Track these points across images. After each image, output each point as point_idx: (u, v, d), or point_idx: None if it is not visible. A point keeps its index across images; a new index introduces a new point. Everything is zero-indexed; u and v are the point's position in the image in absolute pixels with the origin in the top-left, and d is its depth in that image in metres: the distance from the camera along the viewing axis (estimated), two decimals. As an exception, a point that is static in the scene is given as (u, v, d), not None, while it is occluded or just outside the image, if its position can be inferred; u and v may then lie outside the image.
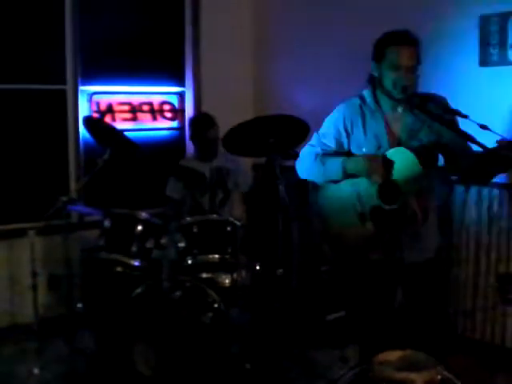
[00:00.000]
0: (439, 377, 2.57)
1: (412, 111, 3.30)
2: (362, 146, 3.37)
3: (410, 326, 3.47)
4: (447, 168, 3.36)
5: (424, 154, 3.23)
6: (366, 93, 3.43)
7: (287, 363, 4.18)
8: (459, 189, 4.61)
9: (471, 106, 4.36)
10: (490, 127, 2.93)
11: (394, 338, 3.22)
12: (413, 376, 2.48)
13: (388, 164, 3.23)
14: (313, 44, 5.62)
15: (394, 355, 2.69)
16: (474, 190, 4.56)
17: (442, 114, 3.17)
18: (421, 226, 3.30)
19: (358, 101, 3.45)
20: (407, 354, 2.69)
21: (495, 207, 4.43)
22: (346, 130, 3.41)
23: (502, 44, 4.47)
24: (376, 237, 3.29)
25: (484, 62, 4.57)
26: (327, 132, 3.47)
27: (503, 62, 4.47)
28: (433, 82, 4.04)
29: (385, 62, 3.27)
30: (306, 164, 3.52)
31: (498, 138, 2.91)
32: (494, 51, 4.53)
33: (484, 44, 4.55)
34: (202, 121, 4.94)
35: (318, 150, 3.47)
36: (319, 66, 5.55)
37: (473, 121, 2.98)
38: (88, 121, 4.40)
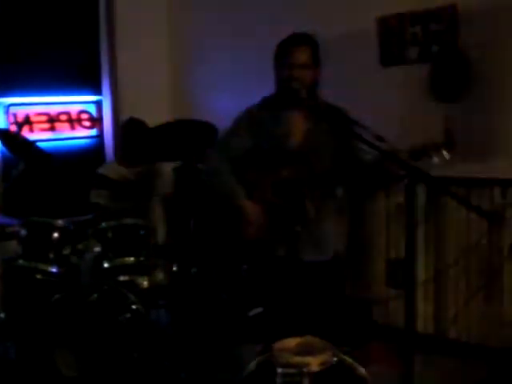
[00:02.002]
0: (335, 359, 2.74)
1: (313, 117, 3.46)
2: (266, 146, 3.52)
3: (320, 317, 3.63)
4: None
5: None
6: (271, 95, 3.59)
7: (208, 359, 4.30)
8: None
9: (372, 105, 4.64)
10: (384, 138, 2.97)
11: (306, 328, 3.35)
12: (308, 359, 2.64)
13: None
14: (230, 47, 5.73)
15: (292, 342, 2.84)
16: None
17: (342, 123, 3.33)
18: (314, 224, 3.47)
19: (261, 105, 3.60)
20: (305, 340, 2.85)
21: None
22: (252, 133, 3.55)
23: (401, 43, 4.69)
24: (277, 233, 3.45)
25: (385, 60, 4.80)
26: (237, 134, 3.61)
27: (403, 60, 4.71)
28: (335, 84, 4.22)
29: (276, 62, 3.47)
30: (218, 176, 3.62)
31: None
32: (394, 50, 4.76)
33: (384, 44, 4.78)
34: (134, 125, 5.05)
35: (229, 154, 3.59)
36: (237, 68, 5.68)
37: (370, 131, 3.07)
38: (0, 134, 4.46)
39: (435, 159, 3.08)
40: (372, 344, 4.65)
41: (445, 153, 3.06)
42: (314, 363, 2.62)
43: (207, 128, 4.17)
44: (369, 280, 5.02)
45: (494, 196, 4.37)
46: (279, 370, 2.60)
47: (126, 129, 5.10)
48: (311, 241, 3.52)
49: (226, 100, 5.57)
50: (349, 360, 2.85)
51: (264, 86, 3.55)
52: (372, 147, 2.98)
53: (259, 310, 4.82)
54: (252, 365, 2.86)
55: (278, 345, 2.80)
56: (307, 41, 3.46)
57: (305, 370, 2.57)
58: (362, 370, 2.83)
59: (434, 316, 4.73)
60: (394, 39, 4.70)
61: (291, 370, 2.59)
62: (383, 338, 4.68)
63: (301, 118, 3.50)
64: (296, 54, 3.39)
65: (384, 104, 4.66)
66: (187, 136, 4.21)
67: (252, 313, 4.88)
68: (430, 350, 4.52)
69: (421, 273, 4.71)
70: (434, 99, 4.42)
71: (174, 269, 4.46)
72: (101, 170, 4.98)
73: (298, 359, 2.64)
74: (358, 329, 4.80)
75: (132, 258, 4.12)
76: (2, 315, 4.28)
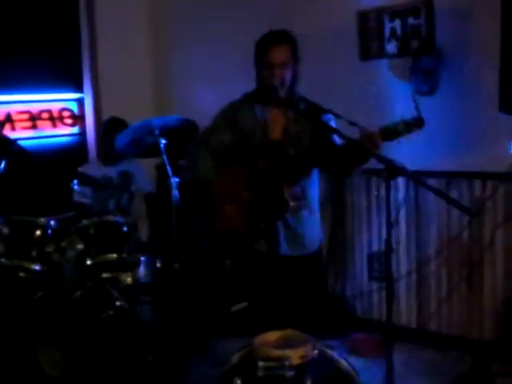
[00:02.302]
0: (316, 351, 2.77)
1: (289, 113, 3.49)
2: (246, 142, 3.55)
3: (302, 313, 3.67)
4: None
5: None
6: (250, 93, 3.61)
7: (192, 354, 4.33)
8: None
9: (352, 100, 4.67)
10: (357, 123, 3.10)
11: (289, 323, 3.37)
12: (288, 352, 2.67)
13: None
14: (211, 43, 5.73)
15: (273, 335, 2.88)
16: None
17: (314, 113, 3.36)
18: (293, 218, 3.51)
19: (241, 101, 3.62)
20: (286, 334, 2.89)
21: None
22: (233, 129, 3.57)
23: (380, 38, 4.73)
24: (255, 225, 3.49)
25: (364, 55, 4.83)
26: (217, 129, 3.63)
27: (382, 54, 4.75)
28: (315, 79, 4.25)
29: (257, 61, 3.47)
30: (197, 161, 3.66)
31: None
32: (373, 45, 4.79)
33: (363, 38, 4.81)
34: (115, 124, 5.05)
35: (208, 149, 3.62)
36: (219, 63, 5.67)
37: (343, 117, 3.17)
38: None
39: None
40: (354, 337, 4.69)
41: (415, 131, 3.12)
42: (294, 356, 2.66)
43: (190, 124, 4.22)
44: (351, 274, 5.06)
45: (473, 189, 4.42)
46: (260, 364, 2.63)
47: (107, 128, 5.12)
48: (289, 235, 3.55)
49: (208, 97, 5.58)
50: (329, 352, 2.89)
51: (247, 83, 3.58)
52: (343, 137, 3.11)
53: (243, 305, 4.86)
54: (234, 358, 2.90)
55: (259, 339, 2.84)
56: (286, 38, 3.47)
57: (286, 363, 2.60)
58: (344, 362, 2.87)
59: (417, 309, 4.77)
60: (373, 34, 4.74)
61: (272, 364, 2.62)
62: (365, 331, 4.72)
63: (279, 114, 3.53)
64: (275, 53, 3.40)
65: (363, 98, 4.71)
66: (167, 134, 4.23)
67: (235, 308, 4.93)
68: (413, 342, 4.58)
69: (403, 266, 4.76)
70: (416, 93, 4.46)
71: (158, 265, 4.48)
72: (82, 169, 4.99)
73: (278, 352, 2.68)
74: (340, 323, 4.85)
75: (115, 255, 4.12)
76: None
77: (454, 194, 4.38)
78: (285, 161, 3.38)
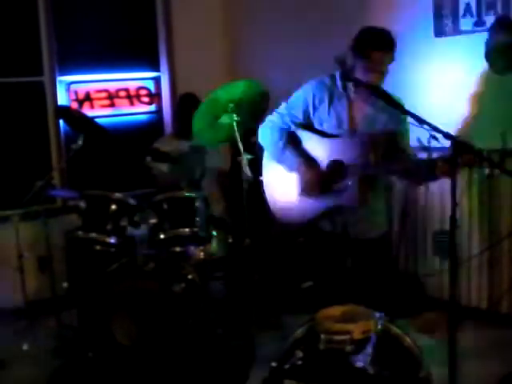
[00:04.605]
0: (379, 327, 2.80)
1: (373, 100, 3.49)
2: (324, 122, 3.58)
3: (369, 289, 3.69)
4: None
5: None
6: (337, 75, 3.62)
7: (260, 327, 4.40)
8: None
9: (427, 77, 4.62)
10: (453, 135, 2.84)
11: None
12: (350, 326, 2.70)
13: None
14: (286, 24, 5.72)
15: (338, 310, 2.91)
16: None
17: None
18: (360, 207, 3.52)
19: (328, 81, 3.62)
20: (350, 309, 2.91)
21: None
22: (314, 105, 3.59)
23: (455, 15, 4.66)
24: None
25: (438, 32, 4.77)
26: (296, 104, 3.66)
27: (456, 31, 4.68)
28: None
29: (365, 61, 3.39)
30: (269, 137, 3.72)
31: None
32: (448, 22, 4.73)
33: (438, 15, 4.75)
34: (190, 99, 5.14)
35: (286, 120, 3.66)
36: (292, 45, 5.65)
37: (436, 128, 2.88)
38: (58, 110, 4.61)
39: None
40: (423, 315, 4.67)
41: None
42: (356, 330, 2.69)
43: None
44: (422, 253, 5.03)
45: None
46: (322, 337, 2.67)
47: (181, 103, 5.21)
48: (356, 220, 3.59)
49: (280, 74, 5.60)
50: (394, 329, 2.91)
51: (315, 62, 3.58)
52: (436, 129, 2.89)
53: (310, 283, 4.90)
54: (298, 332, 2.95)
55: (323, 313, 2.88)
56: (393, 45, 3.41)
57: (347, 336, 2.64)
58: (408, 339, 2.89)
59: (488, 289, 4.72)
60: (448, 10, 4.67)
61: (333, 337, 2.66)
62: (435, 310, 4.69)
63: (361, 107, 3.56)
64: (385, 60, 3.38)
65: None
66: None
67: (305, 285, 4.96)
68: (482, 322, 4.53)
69: (475, 245, 4.70)
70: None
71: (229, 240, 4.55)
72: (155, 144, 5.10)
73: (340, 326, 2.71)
74: (409, 301, 4.83)
75: (187, 230, 4.20)
76: (65, 284, 4.48)
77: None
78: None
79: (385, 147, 3.48)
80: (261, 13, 6.02)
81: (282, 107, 3.72)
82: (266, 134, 3.74)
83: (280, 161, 3.69)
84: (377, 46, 3.36)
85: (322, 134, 3.60)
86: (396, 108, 3.13)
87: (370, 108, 3.55)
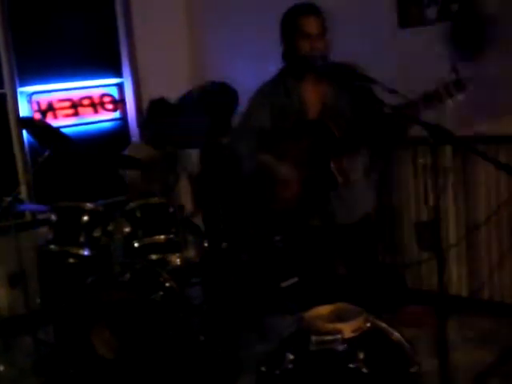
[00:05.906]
0: (368, 324, 2.75)
1: (324, 80, 3.45)
2: (285, 123, 3.52)
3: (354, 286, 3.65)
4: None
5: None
6: (281, 71, 3.57)
7: (243, 330, 4.34)
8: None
9: (391, 67, 4.60)
10: (397, 91, 2.95)
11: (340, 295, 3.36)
12: (341, 326, 2.65)
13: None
14: (248, 18, 5.67)
15: (325, 309, 2.86)
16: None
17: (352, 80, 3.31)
18: (344, 188, 3.47)
19: (273, 81, 3.59)
20: (337, 307, 2.86)
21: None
22: (269, 112, 3.55)
23: (419, 4, 4.64)
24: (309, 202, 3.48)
25: (403, 22, 4.75)
26: (254, 114, 3.62)
27: (421, 21, 4.66)
28: (354, 47, 4.21)
29: (297, 32, 3.39)
30: (244, 146, 3.64)
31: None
32: (413, 11, 4.71)
33: (402, 5, 4.73)
34: (161, 105, 5.02)
35: (254, 128, 3.59)
36: (255, 40, 5.60)
37: (382, 85, 3.01)
38: (22, 122, 4.51)
39: (449, 102, 3.06)
40: (406, 308, 4.65)
41: (458, 94, 3.05)
42: (346, 329, 2.64)
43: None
44: (400, 245, 5.00)
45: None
46: (313, 338, 2.62)
47: (151, 109, 5.10)
48: (342, 204, 3.52)
49: (246, 75, 5.52)
50: (382, 325, 2.86)
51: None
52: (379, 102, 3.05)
53: (293, 280, 4.85)
54: (286, 333, 2.89)
55: (311, 313, 2.82)
56: (317, 10, 3.44)
57: (338, 336, 2.58)
58: (397, 335, 2.84)
59: (468, 277, 4.71)
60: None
61: (324, 337, 2.60)
62: (417, 302, 4.67)
63: (314, 90, 3.50)
64: (312, 24, 3.38)
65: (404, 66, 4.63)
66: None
67: (285, 284, 4.92)
68: (464, 311, 4.52)
69: (452, 234, 4.69)
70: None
71: (205, 245, 4.48)
72: (127, 152, 5.00)
73: (330, 326, 2.66)
74: (391, 294, 4.80)
75: (162, 236, 4.13)
76: (39, 300, 4.36)
77: (502, 160, 4.28)
78: (329, 138, 3.34)
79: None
80: (225, 13, 5.95)
81: (245, 116, 3.70)
82: (240, 146, 3.68)
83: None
84: (301, 12, 3.42)
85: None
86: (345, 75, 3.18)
87: (326, 88, 3.50)
